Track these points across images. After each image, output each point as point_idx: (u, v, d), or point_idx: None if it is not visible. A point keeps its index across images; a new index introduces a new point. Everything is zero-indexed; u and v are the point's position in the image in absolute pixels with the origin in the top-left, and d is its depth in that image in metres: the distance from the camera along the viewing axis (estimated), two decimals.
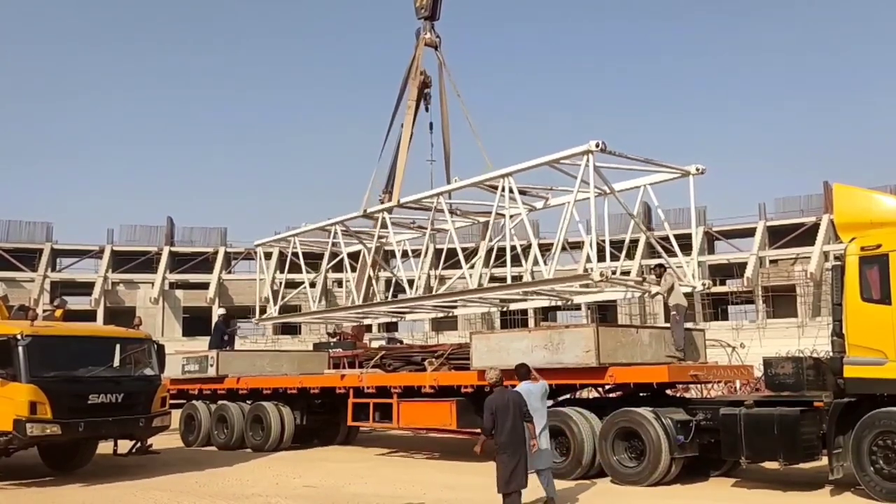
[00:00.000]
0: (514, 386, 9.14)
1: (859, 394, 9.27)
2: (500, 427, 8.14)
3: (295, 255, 19.31)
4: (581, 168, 12.42)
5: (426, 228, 17.52)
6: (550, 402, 12.20)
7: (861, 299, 9.30)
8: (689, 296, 14.03)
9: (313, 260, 20.81)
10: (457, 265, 16.98)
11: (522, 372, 9.36)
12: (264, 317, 20.53)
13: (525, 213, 14.51)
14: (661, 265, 12.97)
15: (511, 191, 13.72)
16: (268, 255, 21.69)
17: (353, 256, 19.55)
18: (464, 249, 15.66)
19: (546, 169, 13.53)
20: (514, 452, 8.12)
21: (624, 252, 12.47)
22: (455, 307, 17.75)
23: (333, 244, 18.39)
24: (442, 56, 19.52)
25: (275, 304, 20.06)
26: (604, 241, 12.97)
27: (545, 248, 21.72)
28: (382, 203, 18.33)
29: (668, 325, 12.79)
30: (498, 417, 8.16)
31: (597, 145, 11.91)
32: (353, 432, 17.00)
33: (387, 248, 20.34)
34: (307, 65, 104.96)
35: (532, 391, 8.97)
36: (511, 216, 15.23)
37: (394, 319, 19.39)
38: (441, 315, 18.84)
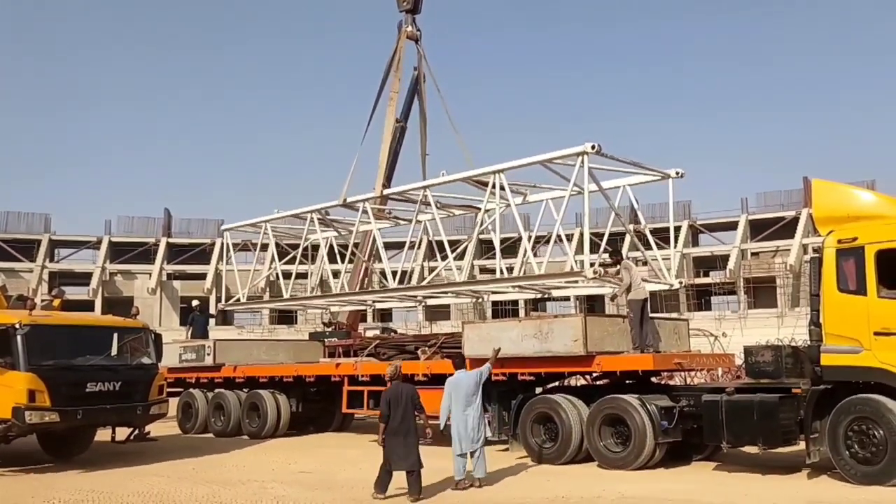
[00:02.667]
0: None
1: (835, 381, 9.48)
2: (392, 415, 9.09)
3: (266, 242, 19.28)
4: (575, 168, 12.65)
5: (401, 220, 17.71)
6: (545, 389, 12.56)
7: (838, 290, 9.49)
8: (671, 289, 14.34)
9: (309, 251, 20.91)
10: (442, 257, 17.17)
11: (457, 362, 10.18)
12: (230, 303, 20.58)
13: (513, 208, 14.75)
14: (615, 251, 12.83)
15: (502, 187, 13.92)
16: (264, 247, 21.70)
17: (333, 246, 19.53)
18: (442, 243, 15.90)
19: (532, 166, 13.75)
20: (400, 438, 9.05)
21: (604, 243, 12.66)
22: (429, 298, 17.95)
23: (310, 232, 18.39)
24: (422, 50, 19.59)
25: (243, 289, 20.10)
26: (591, 237, 13.20)
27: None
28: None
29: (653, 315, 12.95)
30: (391, 408, 9.12)
31: (592, 147, 12.10)
32: (348, 419, 17.22)
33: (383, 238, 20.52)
34: (304, 58, 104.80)
35: (461, 380, 9.83)
36: (488, 210, 15.45)
37: (364, 307, 19.50)
38: (413, 305, 19.08)
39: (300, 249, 19.13)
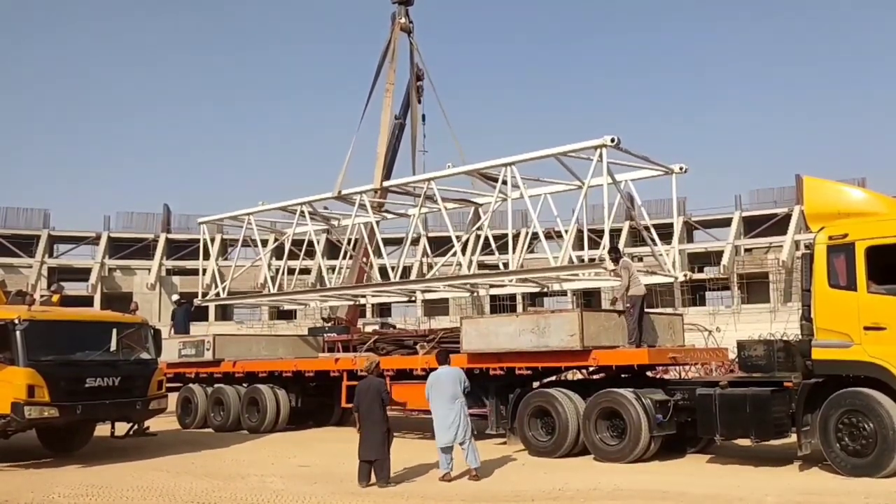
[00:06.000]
0: None
1: (826, 374, 9.59)
2: (361, 407, 9.75)
3: (250, 237, 19.08)
4: (593, 162, 12.71)
5: (391, 213, 17.59)
6: (543, 384, 12.68)
7: (829, 286, 9.58)
8: (676, 280, 14.49)
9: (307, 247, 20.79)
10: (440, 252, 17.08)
11: (441, 358, 10.39)
12: (207, 298, 20.48)
13: (527, 200, 14.78)
14: (614, 248, 12.86)
15: (516, 185, 13.91)
16: (264, 242, 21.64)
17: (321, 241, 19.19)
18: (435, 238, 15.93)
19: (535, 162, 13.79)
20: (367, 428, 9.64)
21: (606, 238, 12.69)
22: (422, 291, 17.93)
23: (300, 226, 18.19)
24: (415, 42, 19.58)
25: (221, 284, 20.02)
26: (589, 234, 13.28)
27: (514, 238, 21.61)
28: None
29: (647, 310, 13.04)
30: (360, 399, 9.78)
31: (612, 140, 12.13)
32: (347, 414, 17.17)
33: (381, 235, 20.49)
34: (304, 53, 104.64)
35: (440, 375, 10.05)
36: (484, 205, 15.43)
37: (352, 302, 19.50)
38: (405, 299, 19.05)
39: (287, 243, 19.05)
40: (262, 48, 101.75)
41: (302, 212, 17.81)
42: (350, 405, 15.43)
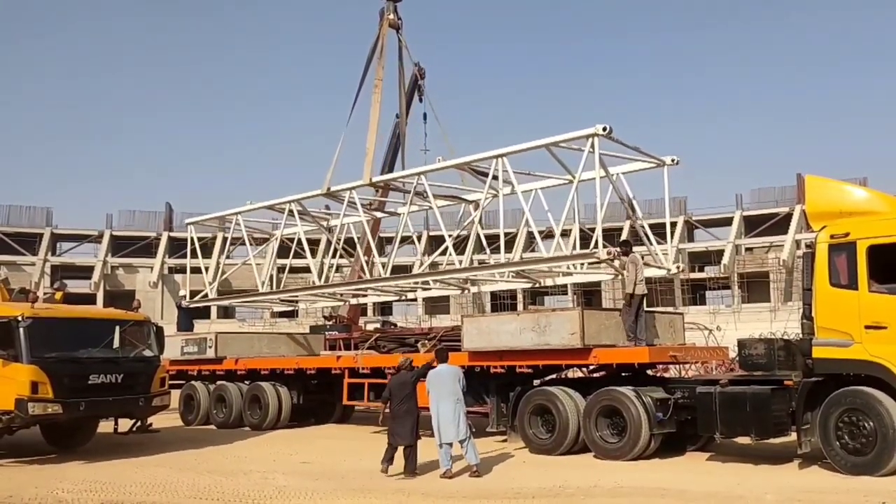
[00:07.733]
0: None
1: (826, 373, 9.61)
2: (394, 399, 10.19)
3: (237, 236, 18.93)
4: (584, 153, 12.57)
5: (383, 212, 17.56)
6: (543, 382, 12.69)
7: (830, 285, 9.59)
8: (667, 280, 14.49)
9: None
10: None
11: (441, 356, 10.57)
12: (197, 299, 20.33)
13: (520, 196, 14.75)
14: (626, 242, 12.79)
15: (507, 180, 13.84)
16: (262, 240, 21.53)
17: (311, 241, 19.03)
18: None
19: (528, 154, 13.73)
20: (400, 418, 10.09)
21: (598, 230, 12.53)
22: (413, 290, 17.86)
23: (288, 225, 18.05)
24: (403, 38, 19.51)
25: (213, 282, 19.94)
26: (588, 230, 13.19)
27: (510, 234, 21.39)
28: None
29: (648, 309, 13.03)
30: (394, 392, 10.24)
31: (604, 129, 11.99)
32: (349, 411, 17.33)
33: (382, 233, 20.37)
34: (306, 52, 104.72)
35: (442, 373, 10.24)
36: (475, 201, 15.32)
37: (339, 302, 19.45)
38: (396, 298, 18.92)
39: (276, 242, 18.98)
40: (265, 48, 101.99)
41: (291, 210, 17.64)
42: (351, 402, 15.69)
